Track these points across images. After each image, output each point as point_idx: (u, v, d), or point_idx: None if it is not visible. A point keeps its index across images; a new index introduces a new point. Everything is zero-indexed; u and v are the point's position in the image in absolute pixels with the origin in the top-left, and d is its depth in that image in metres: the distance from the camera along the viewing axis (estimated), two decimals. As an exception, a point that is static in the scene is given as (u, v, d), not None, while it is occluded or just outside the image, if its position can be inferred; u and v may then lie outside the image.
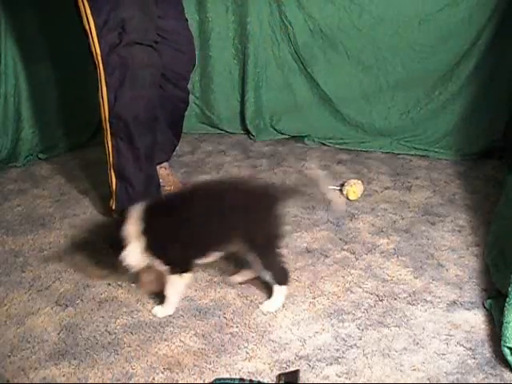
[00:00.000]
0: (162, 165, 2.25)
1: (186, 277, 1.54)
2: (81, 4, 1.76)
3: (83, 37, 1.82)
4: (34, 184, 2.44)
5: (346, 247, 1.89)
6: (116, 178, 1.98)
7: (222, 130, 3.02)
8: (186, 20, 2.13)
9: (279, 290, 1.58)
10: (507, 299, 1.39)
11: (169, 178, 2.26)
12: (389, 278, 1.71)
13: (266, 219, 1.56)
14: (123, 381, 1.33)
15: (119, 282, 1.71)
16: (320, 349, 1.42)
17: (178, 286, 1.54)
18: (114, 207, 2.03)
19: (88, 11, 1.76)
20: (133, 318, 1.55)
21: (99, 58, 1.80)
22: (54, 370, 1.37)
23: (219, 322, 1.52)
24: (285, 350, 1.42)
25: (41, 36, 2.60)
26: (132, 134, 1.90)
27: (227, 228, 1.52)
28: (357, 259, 1.82)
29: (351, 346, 1.43)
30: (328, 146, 2.81)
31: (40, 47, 2.62)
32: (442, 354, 1.39)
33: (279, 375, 1.33)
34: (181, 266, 1.53)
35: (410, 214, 2.10)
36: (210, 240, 1.54)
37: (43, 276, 1.75)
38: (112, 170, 1.97)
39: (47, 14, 2.57)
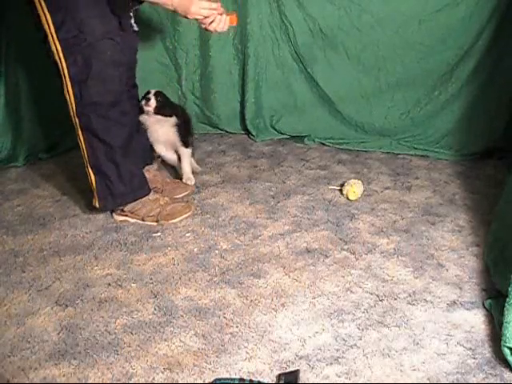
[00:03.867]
0: (146, 168, 2.24)
1: None
2: (38, 4, 1.74)
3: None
4: (33, 184, 2.44)
5: (346, 247, 1.89)
6: (94, 174, 1.97)
7: (222, 130, 3.03)
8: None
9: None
10: (507, 299, 1.39)
11: (156, 178, 2.26)
12: (389, 278, 1.71)
13: None
14: (123, 381, 1.33)
15: (119, 282, 1.71)
16: (320, 349, 1.42)
17: None
18: (97, 205, 2.01)
19: (45, 10, 1.74)
20: (133, 318, 1.55)
21: (61, 54, 1.79)
22: (53, 370, 1.37)
23: (219, 322, 1.52)
24: (285, 349, 1.42)
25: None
26: (102, 128, 1.89)
27: None
28: (357, 259, 1.82)
29: (351, 346, 1.43)
30: (328, 145, 2.81)
31: (40, 47, 2.61)
32: (442, 354, 1.39)
33: (279, 375, 1.33)
34: None
35: (410, 214, 2.10)
36: None
37: (43, 276, 1.75)
38: (89, 167, 1.96)
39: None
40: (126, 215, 2.07)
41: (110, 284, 1.71)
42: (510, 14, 2.44)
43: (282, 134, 2.94)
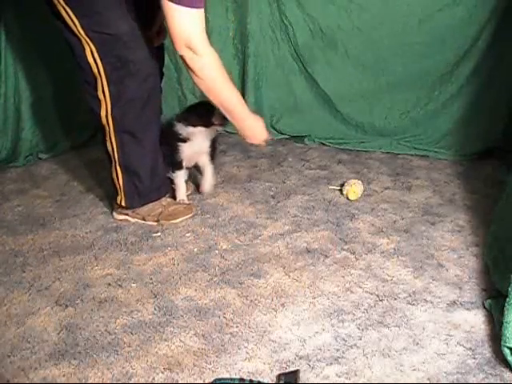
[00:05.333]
0: None
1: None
2: (62, 10, 1.74)
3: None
4: (33, 184, 2.44)
5: (346, 247, 1.89)
6: (123, 174, 1.97)
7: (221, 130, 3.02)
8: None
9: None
10: (507, 299, 1.39)
11: None
12: (389, 278, 1.71)
13: None
14: (123, 381, 1.33)
15: (119, 282, 1.71)
16: (320, 349, 1.42)
17: None
18: (123, 204, 2.03)
19: (71, 13, 1.73)
20: (133, 317, 1.55)
21: (96, 55, 1.77)
22: (53, 370, 1.37)
23: (219, 322, 1.52)
24: (285, 349, 1.42)
25: (41, 36, 2.60)
26: (138, 126, 1.89)
27: None
28: (357, 259, 1.82)
29: (351, 346, 1.43)
30: (328, 145, 2.81)
31: (40, 47, 2.62)
32: (442, 354, 1.39)
33: (279, 375, 1.33)
34: None
35: (409, 214, 2.10)
36: None
37: (43, 276, 1.75)
38: (118, 166, 1.96)
39: (47, 15, 2.57)
40: (127, 214, 2.07)
41: (110, 284, 1.70)
42: (510, 13, 2.44)
43: (282, 133, 2.94)
